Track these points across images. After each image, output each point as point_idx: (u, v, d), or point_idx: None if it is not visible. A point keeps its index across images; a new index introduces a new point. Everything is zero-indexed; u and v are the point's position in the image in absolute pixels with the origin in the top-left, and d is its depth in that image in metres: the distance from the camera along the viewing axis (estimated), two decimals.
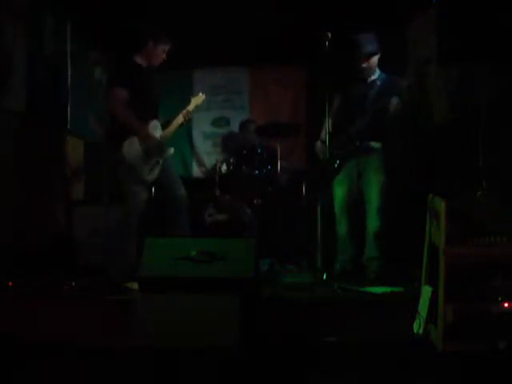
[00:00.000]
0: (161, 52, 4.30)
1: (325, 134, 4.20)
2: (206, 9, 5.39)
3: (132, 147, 4.12)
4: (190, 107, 4.40)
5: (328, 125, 4.04)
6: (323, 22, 4.51)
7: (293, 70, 6.43)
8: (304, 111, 6.39)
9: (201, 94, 4.47)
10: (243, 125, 6.01)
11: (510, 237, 2.59)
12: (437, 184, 4.42)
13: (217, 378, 2.38)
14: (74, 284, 3.85)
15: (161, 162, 4.22)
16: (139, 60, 4.30)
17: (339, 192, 4.42)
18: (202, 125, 6.56)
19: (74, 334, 2.90)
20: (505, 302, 2.58)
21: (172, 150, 4.33)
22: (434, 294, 2.68)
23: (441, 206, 2.61)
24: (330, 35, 4.00)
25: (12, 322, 3.11)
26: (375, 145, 4.33)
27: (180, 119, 4.34)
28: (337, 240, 4.50)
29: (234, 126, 6.38)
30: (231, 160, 5.26)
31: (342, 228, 4.44)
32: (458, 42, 3.99)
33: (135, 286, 3.34)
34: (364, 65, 4.33)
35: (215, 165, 5.46)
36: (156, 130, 4.24)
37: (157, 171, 4.21)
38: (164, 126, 4.32)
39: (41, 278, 3.97)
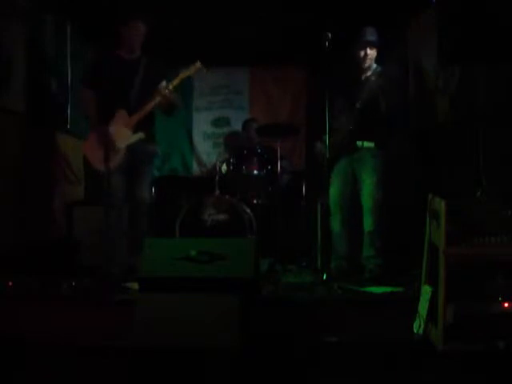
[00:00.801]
0: (135, 35, 4.24)
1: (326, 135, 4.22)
2: (206, 9, 5.39)
3: (88, 140, 4.22)
4: (171, 85, 4.21)
5: (327, 125, 4.03)
6: (323, 22, 4.51)
7: (293, 70, 6.43)
8: (304, 111, 6.39)
9: (197, 63, 4.23)
10: (245, 124, 6.02)
11: (510, 237, 2.59)
12: (437, 184, 4.42)
13: (217, 378, 2.38)
14: (73, 284, 3.85)
15: (121, 150, 4.13)
16: (122, 52, 4.30)
17: (333, 190, 4.41)
18: (202, 125, 6.56)
19: (73, 334, 2.90)
20: (505, 302, 2.58)
21: (137, 137, 4.18)
22: (434, 293, 2.68)
23: (441, 205, 2.61)
24: (329, 35, 3.99)
25: (12, 322, 3.11)
26: (368, 145, 4.33)
27: (153, 103, 4.19)
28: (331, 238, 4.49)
29: (234, 126, 6.38)
30: (231, 160, 5.26)
31: (336, 226, 4.43)
32: (458, 42, 3.99)
33: (135, 286, 3.34)
34: (362, 54, 4.32)
35: (215, 165, 5.46)
36: (122, 119, 4.17)
37: (114, 161, 4.12)
38: (134, 113, 4.20)
39: (41, 278, 3.97)
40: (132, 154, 4.19)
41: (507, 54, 3.76)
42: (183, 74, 4.21)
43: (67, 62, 5.54)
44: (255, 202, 5.16)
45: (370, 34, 4.32)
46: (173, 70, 4.37)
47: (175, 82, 4.20)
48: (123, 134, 4.15)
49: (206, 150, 6.53)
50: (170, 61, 4.33)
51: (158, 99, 4.18)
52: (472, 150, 3.89)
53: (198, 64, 4.21)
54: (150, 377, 2.40)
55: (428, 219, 2.83)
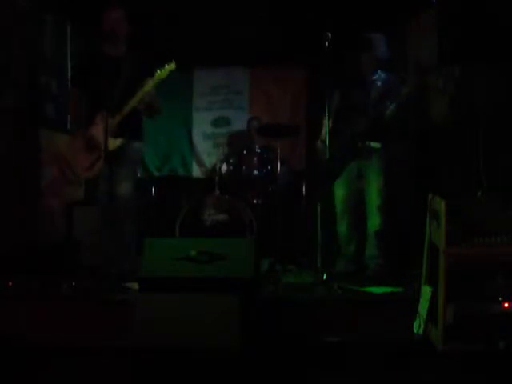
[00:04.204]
0: (114, 21, 4.06)
1: (325, 134, 4.20)
2: (206, 9, 5.39)
3: (71, 145, 4.15)
4: (146, 87, 3.98)
5: (328, 124, 4.03)
6: (323, 22, 4.51)
7: (293, 70, 6.42)
8: (304, 111, 6.39)
9: (172, 63, 3.97)
10: (248, 122, 6.03)
11: (510, 237, 2.59)
12: (437, 184, 4.42)
13: (217, 378, 2.38)
14: (73, 284, 3.85)
15: (103, 156, 3.97)
16: (106, 49, 4.14)
17: (340, 193, 4.41)
18: (202, 125, 6.56)
19: (73, 334, 2.90)
20: (505, 302, 2.58)
21: (118, 143, 4.02)
22: (434, 294, 2.68)
23: (441, 205, 2.61)
24: (330, 35, 3.99)
25: (12, 322, 3.10)
26: (376, 145, 4.33)
27: (131, 105, 3.99)
28: (338, 241, 4.49)
29: (234, 126, 6.38)
30: (231, 160, 5.26)
31: (343, 229, 4.44)
32: (458, 42, 3.99)
33: (135, 286, 3.34)
34: (371, 66, 4.32)
35: (215, 165, 5.46)
36: (103, 121, 3.96)
37: (97, 168, 4.06)
38: (116, 114, 4.02)
39: (41, 278, 3.97)
40: (113, 154, 4.04)
41: (507, 54, 3.75)
42: (157, 77, 3.97)
43: (67, 62, 5.54)
44: (255, 201, 5.15)
45: (379, 49, 4.29)
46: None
47: (148, 85, 3.97)
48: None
49: (206, 150, 6.52)
50: (166, 60, 4.19)
51: (139, 98, 3.98)
52: (472, 150, 3.89)
53: (173, 65, 3.98)
54: (150, 377, 2.40)
55: (428, 219, 2.84)
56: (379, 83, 4.30)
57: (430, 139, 4.81)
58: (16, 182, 4.67)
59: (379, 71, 4.37)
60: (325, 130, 4.32)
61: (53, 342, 2.78)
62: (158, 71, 3.98)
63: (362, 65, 4.35)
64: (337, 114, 4.41)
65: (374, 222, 4.31)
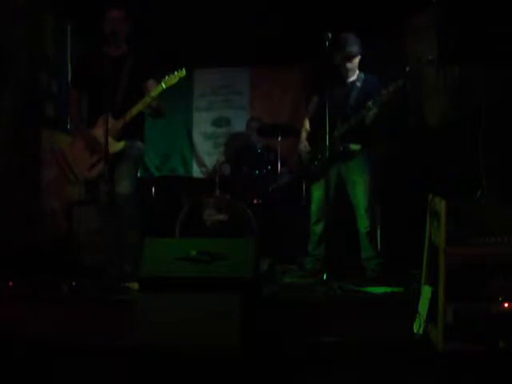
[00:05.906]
0: (114, 21, 4.08)
1: (305, 137, 4.32)
2: (206, 9, 5.39)
3: (73, 145, 4.15)
4: (154, 92, 3.98)
5: (307, 126, 4.04)
6: (323, 22, 4.51)
7: (293, 69, 6.43)
8: (304, 111, 6.39)
9: (182, 70, 4.00)
10: (247, 123, 6.04)
11: (510, 237, 2.59)
12: (437, 184, 4.42)
13: (217, 378, 2.38)
14: (74, 284, 3.85)
15: (104, 158, 3.96)
16: (107, 49, 4.14)
17: (317, 193, 4.39)
18: (203, 125, 6.57)
19: (73, 334, 2.90)
20: (505, 302, 2.59)
21: (120, 146, 4.03)
22: (434, 293, 2.68)
23: (441, 205, 2.61)
24: (329, 35, 3.99)
25: (12, 321, 3.11)
26: (355, 147, 4.31)
27: (137, 109, 4.00)
28: (310, 238, 4.47)
29: (235, 126, 6.39)
30: (231, 160, 5.27)
31: (319, 228, 4.39)
32: (458, 42, 4.00)
33: (135, 286, 3.35)
34: (348, 65, 4.32)
35: (215, 165, 5.47)
36: (106, 123, 3.92)
37: (98, 168, 4.05)
38: (120, 116, 4.02)
39: (41, 278, 3.97)
40: (115, 156, 4.05)
41: (507, 54, 3.76)
42: (166, 83, 3.98)
43: (67, 62, 5.54)
44: (255, 201, 5.16)
45: (351, 44, 4.29)
46: (165, 70, 4.09)
47: (157, 90, 3.98)
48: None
49: (207, 150, 6.53)
50: (166, 61, 4.18)
51: (145, 101, 3.99)
52: (472, 150, 3.90)
53: (183, 72, 4.00)
54: (150, 377, 2.40)
55: (428, 219, 2.84)
56: (359, 84, 4.31)
57: (429, 139, 4.81)
58: (16, 182, 4.67)
59: (358, 72, 4.38)
60: (304, 134, 4.38)
61: (53, 341, 2.78)
62: (167, 77, 3.98)
63: (345, 65, 4.34)
64: (314, 115, 4.42)
65: (363, 223, 4.30)
